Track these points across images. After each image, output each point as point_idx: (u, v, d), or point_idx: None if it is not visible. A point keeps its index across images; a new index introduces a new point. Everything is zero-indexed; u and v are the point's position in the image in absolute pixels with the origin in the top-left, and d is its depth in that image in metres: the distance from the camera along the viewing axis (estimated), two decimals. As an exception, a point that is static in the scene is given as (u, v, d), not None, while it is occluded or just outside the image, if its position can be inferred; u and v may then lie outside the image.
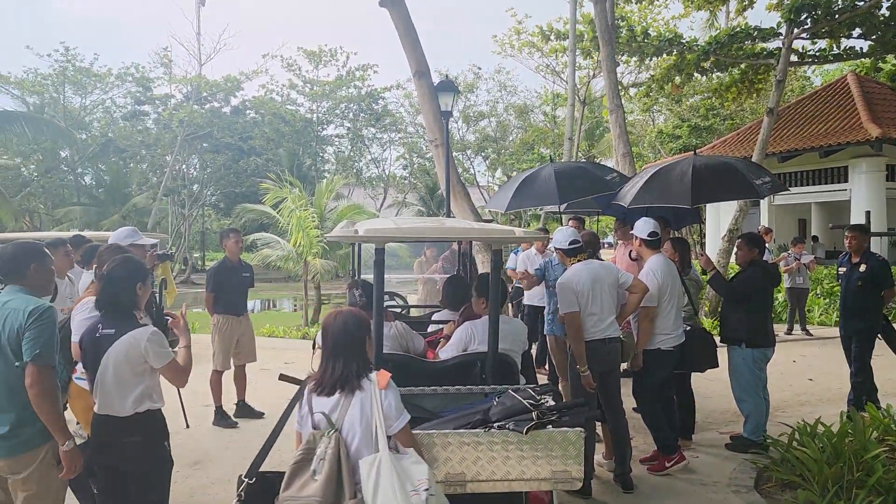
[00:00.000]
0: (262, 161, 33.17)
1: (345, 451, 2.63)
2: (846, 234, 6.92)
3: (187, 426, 6.58)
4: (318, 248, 15.37)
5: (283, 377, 4.20)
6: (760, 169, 6.23)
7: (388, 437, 2.70)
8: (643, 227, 5.37)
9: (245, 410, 7.06)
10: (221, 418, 6.80)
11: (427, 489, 2.58)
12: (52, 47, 44.92)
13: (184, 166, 34.82)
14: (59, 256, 5.37)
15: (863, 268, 6.56)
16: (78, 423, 4.06)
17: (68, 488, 3.49)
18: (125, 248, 4.14)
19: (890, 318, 6.94)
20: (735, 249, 6.13)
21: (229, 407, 6.99)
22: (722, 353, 5.77)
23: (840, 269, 7.00)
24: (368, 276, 5.17)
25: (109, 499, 3.30)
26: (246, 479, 2.81)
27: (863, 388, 6.54)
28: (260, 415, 7.08)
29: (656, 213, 6.67)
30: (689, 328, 5.56)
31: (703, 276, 7.12)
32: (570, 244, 5.05)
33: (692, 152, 6.68)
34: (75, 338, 3.67)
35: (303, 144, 34.29)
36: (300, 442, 2.81)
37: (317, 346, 4.50)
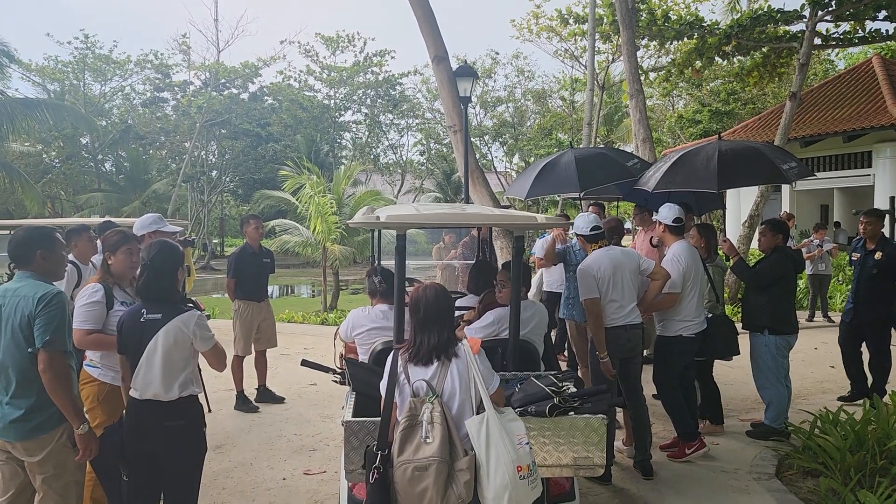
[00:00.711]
0: (280, 147, 33.29)
1: (449, 413, 2.81)
2: (861, 218, 6.75)
3: (209, 410, 6.62)
4: (336, 235, 15.42)
5: (305, 363, 4.24)
6: (787, 154, 6.15)
7: None
8: (668, 212, 5.30)
9: (266, 395, 7.13)
10: (243, 403, 6.88)
11: (527, 442, 2.84)
12: (71, 35, 45.34)
13: (202, 153, 35.04)
14: (82, 242, 5.44)
15: (878, 255, 6.41)
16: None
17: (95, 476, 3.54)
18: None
19: None
20: (758, 235, 6.03)
21: (250, 392, 7.07)
22: (742, 340, 5.73)
23: (854, 255, 6.84)
24: (387, 263, 5.19)
25: (144, 486, 3.33)
26: (380, 452, 2.87)
27: (885, 376, 6.46)
28: (280, 399, 7.15)
29: (679, 198, 6.62)
30: (710, 315, 5.51)
31: (727, 263, 7.05)
32: (591, 230, 5.04)
33: (717, 137, 6.60)
34: (85, 325, 3.70)
35: (320, 131, 34.34)
36: (395, 411, 2.93)
37: (338, 336, 4.54)
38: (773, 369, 5.70)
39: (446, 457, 2.74)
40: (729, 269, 6.20)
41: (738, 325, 5.84)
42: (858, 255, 6.69)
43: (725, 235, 6.71)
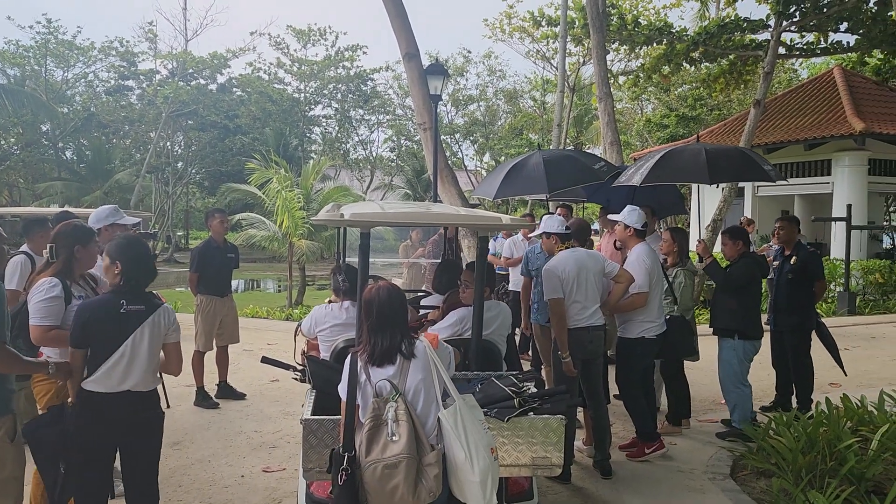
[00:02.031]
0: (248, 140, 32.86)
1: (414, 410, 2.86)
2: (775, 224, 6.66)
3: (168, 406, 6.55)
4: (303, 230, 15.30)
5: (265, 360, 4.21)
6: (762, 157, 6.30)
7: None
8: (636, 217, 5.32)
9: (227, 391, 7.06)
10: (203, 399, 6.79)
11: (487, 426, 2.94)
12: (33, 18, 44.17)
13: (168, 143, 34.44)
14: (40, 235, 5.28)
15: (793, 260, 6.36)
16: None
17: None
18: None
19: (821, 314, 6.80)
20: (721, 245, 6.12)
21: (211, 388, 6.98)
22: (704, 342, 5.82)
23: (774, 262, 6.75)
24: (353, 260, 5.16)
25: (98, 480, 3.32)
26: (346, 454, 2.86)
27: (810, 386, 6.39)
28: (241, 396, 7.08)
29: (643, 201, 6.71)
30: (668, 317, 5.59)
31: (700, 264, 7.12)
32: (557, 229, 5.13)
33: (695, 138, 6.70)
34: (45, 321, 3.59)
35: (290, 124, 33.98)
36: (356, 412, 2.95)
37: (300, 332, 4.51)
38: (739, 373, 5.80)
39: (414, 453, 2.77)
40: (703, 271, 6.24)
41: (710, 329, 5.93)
42: (777, 261, 6.62)
43: (700, 237, 6.76)
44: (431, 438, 2.88)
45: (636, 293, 5.14)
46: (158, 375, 3.47)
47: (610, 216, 5.71)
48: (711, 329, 6.02)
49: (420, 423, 2.85)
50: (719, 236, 6.19)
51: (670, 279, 5.84)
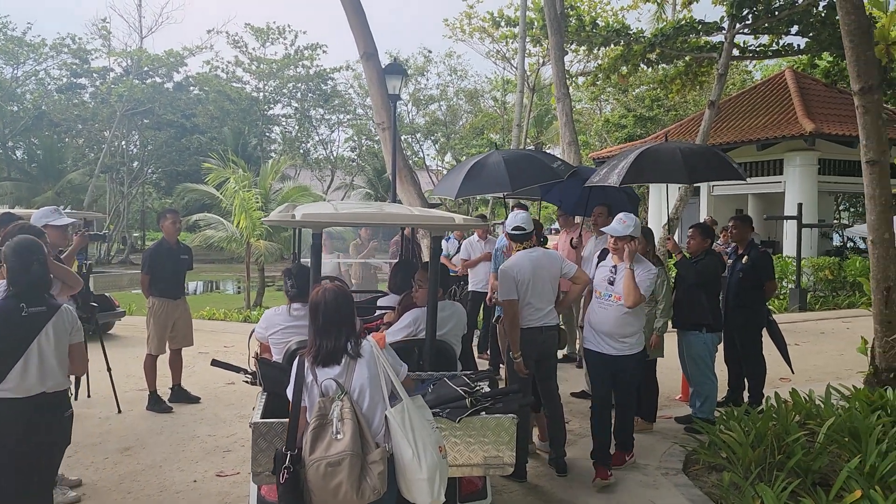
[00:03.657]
0: (205, 139, 32.35)
1: (359, 409, 2.85)
2: (729, 223, 6.74)
3: (119, 411, 6.45)
4: (261, 230, 15.12)
5: (215, 363, 4.14)
6: (728, 156, 6.39)
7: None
8: (638, 226, 4.92)
9: (180, 395, 6.91)
10: (155, 403, 6.64)
11: (437, 427, 2.97)
12: (-19, 14, 42.66)
13: (123, 143, 33.67)
14: None
15: (745, 259, 6.45)
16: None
17: None
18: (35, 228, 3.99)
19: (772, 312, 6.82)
20: (688, 238, 6.19)
21: (164, 392, 6.84)
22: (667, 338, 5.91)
23: (729, 261, 6.82)
24: (307, 260, 5.10)
25: (31, 480, 3.31)
26: (289, 452, 2.84)
27: (761, 382, 6.48)
28: (196, 399, 6.95)
29: (598, 200, 6.78)
30: None
31: (670, 261, 7.18)
32: (513, 229, 5.06)
33: (664, 137, 6.71)
34: None
35: (249, 123, 33.54)
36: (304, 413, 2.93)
37: (253, 337, 4.43)
38: (710, 365, 5.91)
39: (358, 450, 2.75)
40: (674, 266, 6.30)
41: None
42: (731, 260, 6.72)
43: (668, 234, 6.81)
44: (378, 437, 2.87)
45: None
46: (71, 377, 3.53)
47: (610, 230, 5.35)
48: (675, 325, 6.09)
49: (366, 422, 2.84)
50: (689, 233, 6.20)
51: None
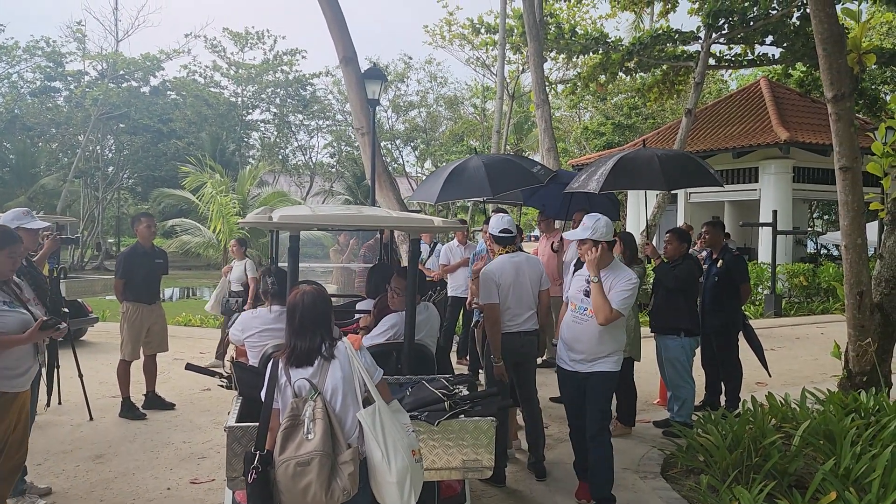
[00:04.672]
0: (182, 145, 32.01)
1: (332, 410, 2.83)
2: (702, 229, 6.79)
3: (91, 418, 6.32)
4: (238, 235, 14.97)
5: (189, 367, 4.07)
6: (705, 162, 6.44)
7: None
8: (608, 228, 4.32)
9: (154, 402, 6.79)
10: (128, 410, 6.52)
11: (412, 430, 2.94)
12: (-47, 15, 41.96)
13: (98, 147, 33.20)
14: None
15: (719, 263, 6.53)
16: None
17: None
18: (12, 231, 3.90)
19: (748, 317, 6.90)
20: (665, 244, 6.23)
21: (137, 398, 6.72)
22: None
23: (704, 265, 6.87)
24: (285, 264, 5.06)
25: None
26: (259, 452, 2.81)
27: (737, 386, 6.52)
28: (170, 406, 6.83)
29: (578, 205, 6.80)
30: None
31: (649, 265, 7.19)
32: (500, 232, 5.02)
33: (642, 143, 6.75)
34: None
35: (226, 129, 33.30)
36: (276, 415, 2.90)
37: (226, 337, 4.39)
38: (687, 369, 5.94)
39: (329, 450, 2.72)
40: (653, 271, 6.33)
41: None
42: (706, 265, 6.77)
43: (647, 239, 6.85)
44: (351, 439, 2.84)
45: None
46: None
47: (570, 235, 5.14)
48: (653, 329, 6.12)
49: (338, 422, 2.81)
50: (665, 238, 6.24)
51: None
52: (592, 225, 4.20)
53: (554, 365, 8.52)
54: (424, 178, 35.55)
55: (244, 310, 6.85)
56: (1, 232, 3.77)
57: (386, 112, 34.52)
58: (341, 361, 2.90)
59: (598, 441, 4.32)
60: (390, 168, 14.99)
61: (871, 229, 13.19)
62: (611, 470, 4.33)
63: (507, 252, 4.97)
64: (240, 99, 34.10)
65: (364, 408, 2.85)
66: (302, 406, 2.79)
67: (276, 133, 36.59)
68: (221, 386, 3.97)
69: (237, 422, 3.21)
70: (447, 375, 3.75)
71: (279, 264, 5.70)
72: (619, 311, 4.15)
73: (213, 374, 4.03)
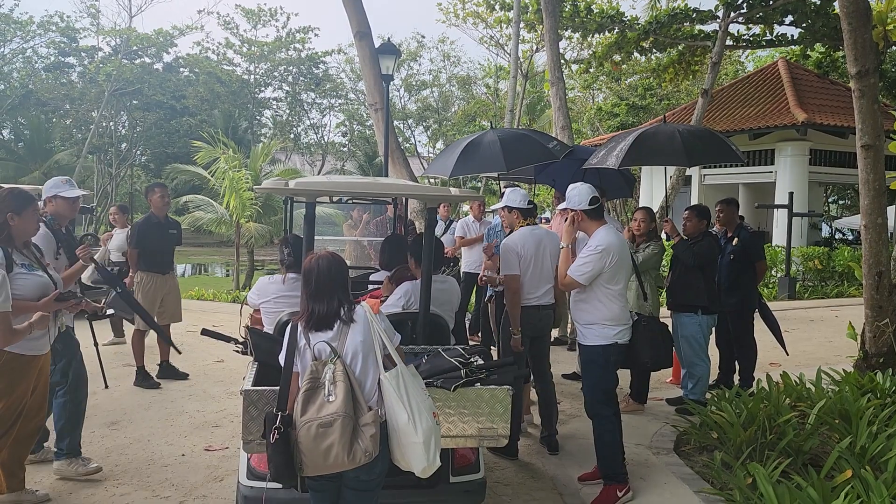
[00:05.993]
0: (195, 122, 31.95)
1: (352, 372, 2.82)
2: (716, 207, 6.70)
3: (106, 386, 6.37)
4: (251, 211, 14.99)
5: (205, 332, 4.09)
6: (727, 138, 6.35)
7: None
8: (581, 196, 4.19)
9: (168, 372, 6.85)
10: (143, 379, 6.58)
11: (431, 396, 2.94)
12: (-33, -10, 41.98)
13: (111, 123, 33.24)
14: None
15: (735, 241, 6.47)
16: None
17: None
18: (31, 194, 3.91)
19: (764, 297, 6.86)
20: (684, 221, 6.14)
21: (152, 368, 6.77)
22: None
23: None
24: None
25: None
26: (280, 413, 2.80)
27: (752, 366, 6.49)
28: (184, 376, 6.89)
29: (591, 183, 6.72)
30: (636, 317, 4.96)
31: (668, 243, 7.09)
32: (529, 203, 5.04)
33: (661, 119, 6.64)
34: None
35: (239, 106, 33.21)
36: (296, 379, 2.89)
37: (245, 304, 4.40)
38: (704, 347, 5.91)
39: (350, 412, 2.71)
40: (672, 249, 6.26)
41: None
42: (722, 242, 6.65)
43: (668, 216, 6.77)
44: (371, 402, 2.83)
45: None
46: None
47: (560, 207, 5.35)
48: (670, 307, 6.08)
49: (358, 385, 2.80)
50: (684, 215, 6.16)
51: (641, 252, 5.73)
52: (568, 194, 4.29)
53: (566, 342, 8.57)
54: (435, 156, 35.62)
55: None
56: (17, 193, 3.78)
57: (398, 91, 34.37)
58: (361, 325, 2.90)
59: (592, 418, 4.30)
60: (402, 148, 14.89)
61: (889, 211, 13.01)
62: (606, 448, 4.26)
63: (527, 224, 4.98)
64: (252, 76, 33.94)
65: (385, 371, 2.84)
66: (321, 369, 2.78)
67: (288, 111, 36.47)
68: (237, 351, 3.98)
69: (253, 386, 3.21)
70: (463, 346, 3.74)
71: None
72: (574, 279, 4.10)
73: (228, 339, 4.03)
